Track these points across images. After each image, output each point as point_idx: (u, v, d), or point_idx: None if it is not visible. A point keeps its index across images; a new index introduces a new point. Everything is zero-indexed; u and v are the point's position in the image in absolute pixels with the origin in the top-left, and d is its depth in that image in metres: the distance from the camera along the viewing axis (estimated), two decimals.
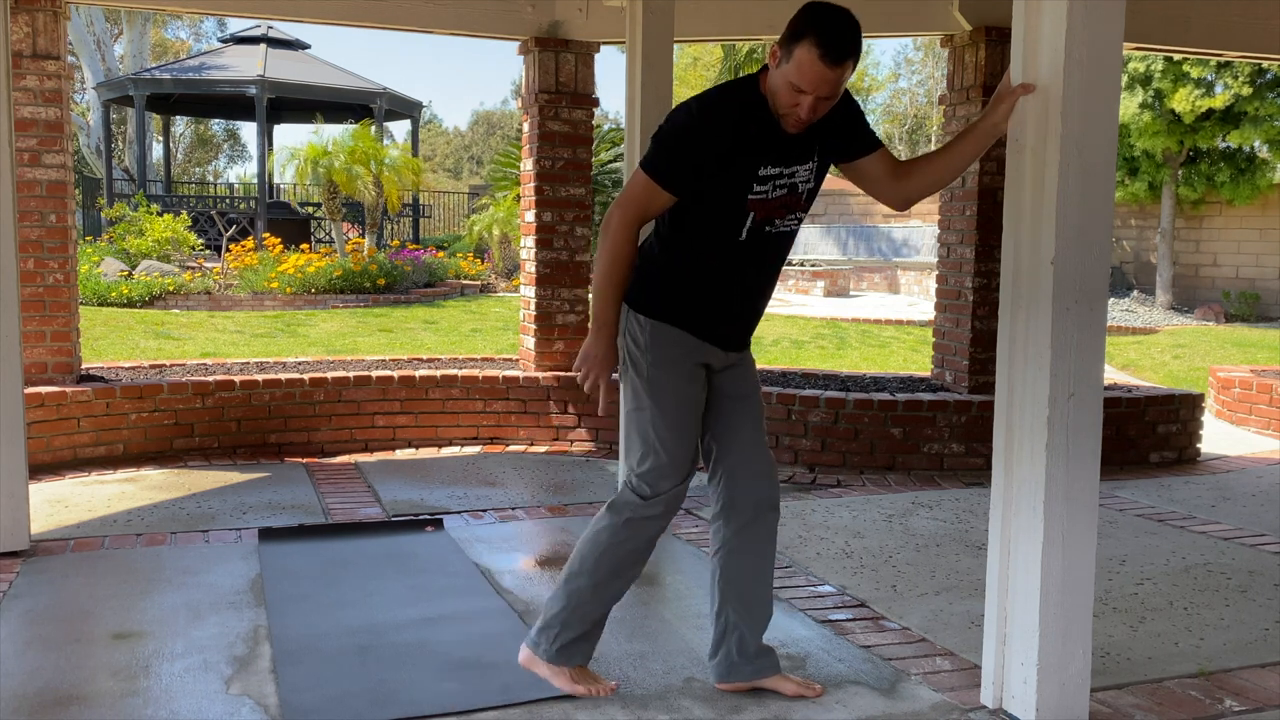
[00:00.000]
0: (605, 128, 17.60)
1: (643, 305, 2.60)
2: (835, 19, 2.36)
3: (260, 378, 5.83)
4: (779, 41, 2.41)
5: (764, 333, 11.19)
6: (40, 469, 5.07)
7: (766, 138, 2.48)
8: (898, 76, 36.42)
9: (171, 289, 11.64)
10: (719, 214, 2.51)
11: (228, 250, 13.80)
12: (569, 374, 5.96)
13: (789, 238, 2.63)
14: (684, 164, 2.46)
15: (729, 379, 2.71)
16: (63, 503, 4.59)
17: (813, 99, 2.39)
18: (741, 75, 2.56)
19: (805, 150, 2.54)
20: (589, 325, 2.56)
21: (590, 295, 2.56)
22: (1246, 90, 13.65)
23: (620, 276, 2.53)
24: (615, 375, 2.66)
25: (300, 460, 5.58)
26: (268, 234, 15.81)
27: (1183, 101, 13.89)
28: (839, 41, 2.34)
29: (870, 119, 36.47)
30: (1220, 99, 13.87)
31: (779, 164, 2.50)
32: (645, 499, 2.62)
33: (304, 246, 14.65)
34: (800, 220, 2.64)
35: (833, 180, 18.96)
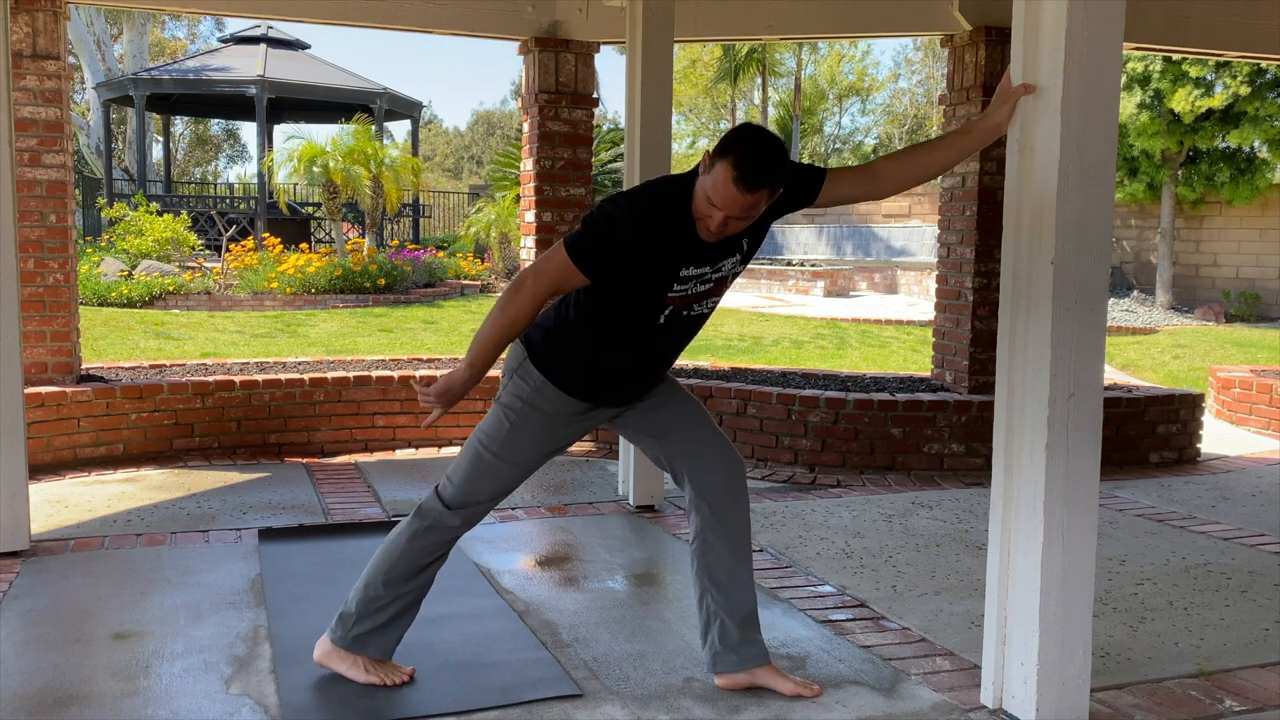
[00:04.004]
0: (605, 128, 17.61)
1: (542, 363, 2.62)
2: (760, 146, 2.34)
3: (260, 378, 5.83)
4: (709, 150, 2.41)
5: (764, 332, 11.20)
6: (40, 469, 5.07)
7: (693, 241, 2.47)
8: (898, 76, 36.43)
9: (171, 289, 11.64)
10: (636, 302, 2.54)
11: (228, 250, 13.81)
12: None
13: (707, 315, 2.68)
14: (605, 256, 2.45)
15: (647, 400, 2.76)
16: (63, 503, 4.59)
17: (723, 216, 2.38)
18: (678, 176, 2.53)
19: (733, 245, 2.54)
20: (465, 360, 2.54)
21: (480, 336, 2.53)
22: (1245, 90, 13.64)
23: (508, 339, 2.53)
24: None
25: (300, 460, 5.58)
26: (267, 234, 15.82)
27: (1182, 101, 13.89)
28: (755, 170, 2.32)
29: (870, 119, 36.58)
30: (1219, 99, 13.87)
31: (704, 264, 2.51)
32: (449, 508, 2.69)
33: (303, 246, 14.66)
34: (720, 298, 2.67)
35: None
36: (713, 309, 2.67)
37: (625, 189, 2.58)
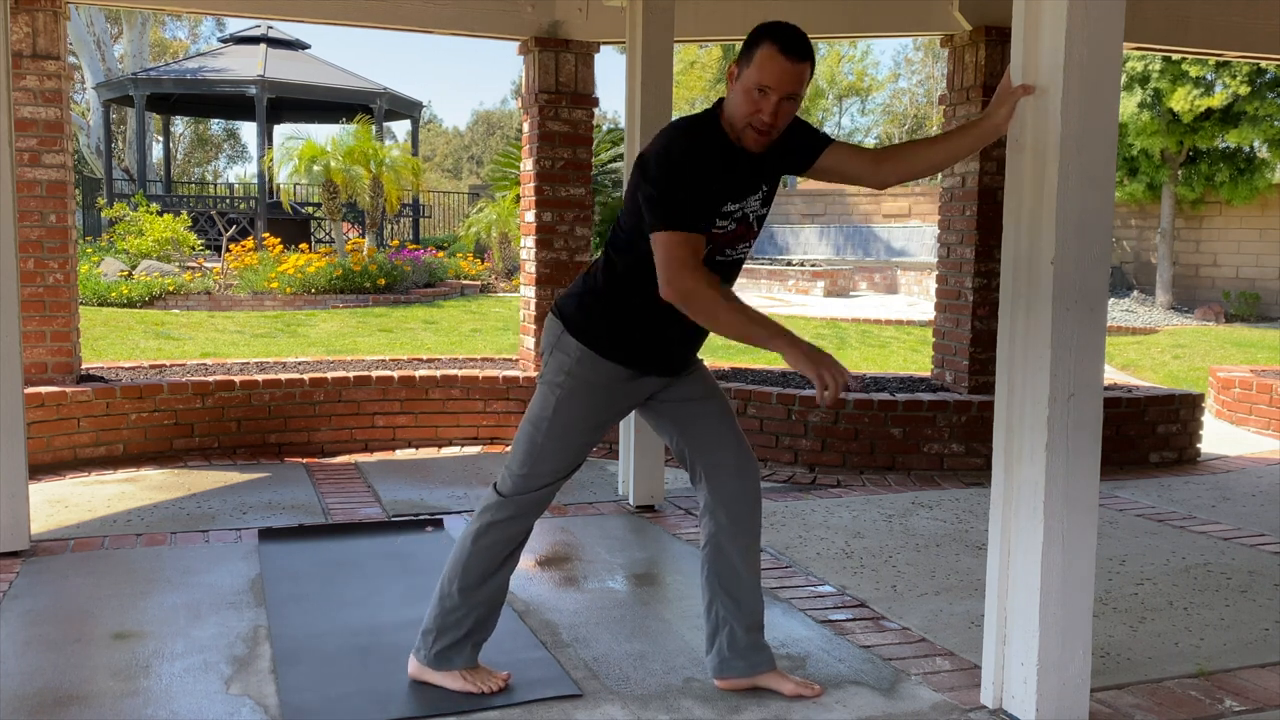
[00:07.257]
0: (605, 128, 17.62)
1: (580, 332, 2.61)
2: (788, 26, 2.43)
3: (260, 378, 5.83)
4: (735, 61, 2.45)
5: None
6: (40, 469, 5.07)
7: (729, 172, 2.51)
8: (898, 76, 36.39)
9: (171, 289, 11.64)
10: None
11: (228, 250, 13.80)
12: None
13: (740, 263, 2.68)
14: (691, 200, 2.42)
15: (683, 386, 2.74)
16: (63, 503, 4.59)
17: (776, 98, 2.40)
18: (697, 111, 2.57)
19: (754, 182, 2.57)
20: (784, 345, 2.38)
21: (739, 334, 2.43)
22: (1245, 90, 13.64)
23: (738, 306, 2.42)
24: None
25: (300, 460, 5.58)
26: (267, 234, 15.81)
27: (1181, 101, 13.88)
28: (797, 40, 2.40)
29: (870, 119, 36.56)
30: (1219, 98, 13.86)
31: (737, 199, 2.54)
32: (503, 497, 2.67)
33: (303, 246, 14.66)
34: (750, 246, 2.67)
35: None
36: (743, 257, 2.66)
37: (651, 143, 2.55)
